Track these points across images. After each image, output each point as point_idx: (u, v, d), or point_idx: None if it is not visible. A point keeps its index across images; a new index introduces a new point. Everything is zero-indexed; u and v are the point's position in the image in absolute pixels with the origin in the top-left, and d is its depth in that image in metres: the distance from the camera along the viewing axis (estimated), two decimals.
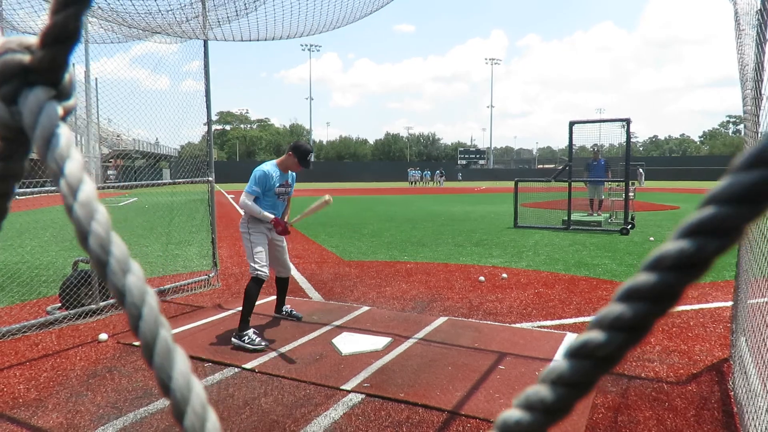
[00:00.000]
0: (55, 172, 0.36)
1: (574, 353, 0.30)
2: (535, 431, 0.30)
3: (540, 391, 0.30)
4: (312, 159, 4.84)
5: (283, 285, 5.31)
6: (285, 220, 4.90)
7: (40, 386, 3.76)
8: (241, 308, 4.62)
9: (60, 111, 0.38)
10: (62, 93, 0.39)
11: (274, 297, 5.50)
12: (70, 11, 0.36)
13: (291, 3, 5.10)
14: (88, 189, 0.36)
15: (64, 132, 0.37)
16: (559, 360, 0.31)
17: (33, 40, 0.38)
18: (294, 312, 5.38)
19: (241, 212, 4.89)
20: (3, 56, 0.38)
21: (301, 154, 4.72)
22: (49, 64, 0.38)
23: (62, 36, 0.37)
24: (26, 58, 0.38)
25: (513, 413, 0.31)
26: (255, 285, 4.62)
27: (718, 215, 0.27)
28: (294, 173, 4.95)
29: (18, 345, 4.63)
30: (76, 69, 6.13)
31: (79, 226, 0.35)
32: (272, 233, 4.86)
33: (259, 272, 4.62)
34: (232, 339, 4.50)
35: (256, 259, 4.64)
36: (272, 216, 4.69)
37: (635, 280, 0.30)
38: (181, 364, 0.33)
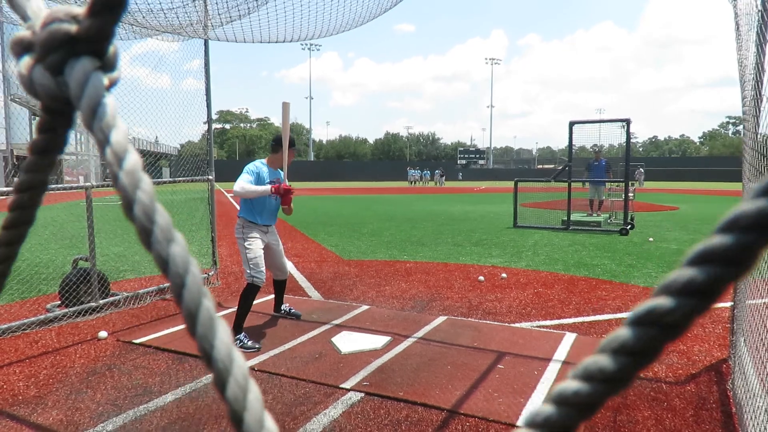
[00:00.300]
0: (101, 141, 0.36)
1: (639, 320, 0.29)
2: (594, 402, 0.29)
3: (600, 360, 0.29)
4: (293, 142, 4.84)
5: (280, 287, 5.31)
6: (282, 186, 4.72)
7: (40, 383, 3.77)
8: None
9: (105, 81, 0.38)
10: (107, 64, 0.39)
11: (273, 296, 5.50)
12: None
13: (293, 6, 5.10)
14: (134, 158, 0.36)
15: (110, 102, 0.37)
16: (619, 329, 0.30)
17: (80, 10, 0.38)
18: (293, 310, 5.38)
19: (238, 206, 4.86)
20: (49, 26, 0.38)
21: (280, 141, 4.72)
22: (96, 34, 0.37)
23: (109, 5, 0.37)
24: (73, 27, 0.37)
25: (570, 384, 0.30)
26: (251, 291, 4.59)
27: None
28: (282, 172, 4.86)
29: (18, 342, 4.63)
30: None
31: (125, 194, 0.35)
32: (268, 236, 4.83)
33: (255, 278, 4.58)
34: None
35: (251, 265, 4.59)
36: (268, 186, 4.60)
37: (708, 243, 0.28)
38: (224, 333, 0.33)
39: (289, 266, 7.43)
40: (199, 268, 0.35)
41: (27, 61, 0.39)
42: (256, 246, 4.66)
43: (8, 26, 5.47)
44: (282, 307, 5.38)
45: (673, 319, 0.28)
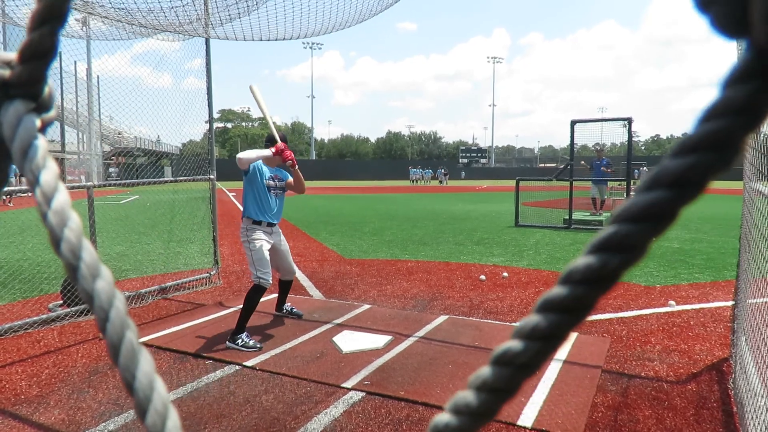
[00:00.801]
0: (31, 182, 0.38)
1: (496, 361, 0.32)
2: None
3: (466, 396, 0.32)
4: (285, 138, 4.89)
5: (285, 287, 5.31)
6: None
7: (42, 383, 3.78)
8: (241, 307, 4.62)
9: (38, 123, 0.40)
10: (42, 105, 0.41)
11: (275, 296, 5.51)
12: (46, 29, 0.38)
13: (292, 4, 5.10)
14: (62, 197, 0.38)
15: (41, 143, 0.39)
16: (482, 367, 0.33)
17: (12, 55, 0.40)
18: (294, 310, 5.39)
19: (240, 206, 4.86)
20: None
21: (274, 139, 4.79)
22: (28, 79, 0.40)
23: (39, 52, 0.39)
24: (6, 73, 0.40)
25: (443, 417, 0.33)
26: (256, 292, 4.57)
27: (621, 232, 0.29)
28: (284, 171, 4.93)
29: (20, 342, 4.65)
30: (78, 66, 6.15)
31: (52, 233, 0.37)
32: (272, 237, 4.81)
33: (261, 279, 4.57)
34: (227, 342, 4.48)
35: (257, 267, 4.58)
36: (269, 152, 4.66)
37: (550, 293, 0.32)
38: (146, 365, 0.35)
39: None
40: (124, 302, 0.37)
41: None
42: (261, 247, 4.63)
43: (9, 27, 5.48)
44: (284, 307, 5.38)
45: (524, 360, 0.31)
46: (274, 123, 4.89)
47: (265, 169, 4.73)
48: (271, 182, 4.76)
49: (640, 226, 0.28)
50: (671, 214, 0.28)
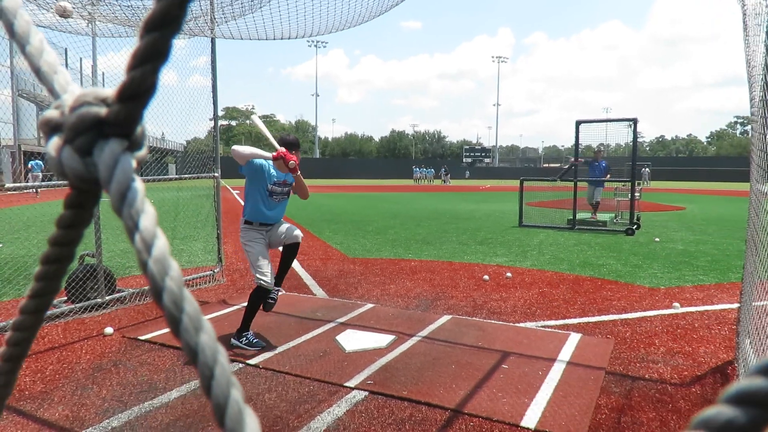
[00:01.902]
0: (130, 228, 0.36)
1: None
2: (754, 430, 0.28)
3: (760, 383, 0.28)
4: (298, 143, 4.59)
5: (289, 252, 4.74)
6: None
7: (46, 379, 3.79)
8: (246, 304, 4.61)
9: (134, 163, 0.39)
10: (134, 143, 0.40)
11: (289, 293, 5.44)
12: (148, 67, 0.37)
13: (296, 3, 5.09)
14: (162, 244, 0.36)
15: (139, 186, 0.38)
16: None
17: (109, 92, 0.39)
18: (278, 293, 4.81)
19: (241, 202, 4.75)
20: (79, 109, 0.38)
21: (290, 143, 4.48)
22: (125, 119, 0.38)
23: (139, 91, 0.37)
24: (102, 111, 0.38)
25: (722, 410, 0.29)
26: (257, 293, 4.49)
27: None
28: (291, 176, 4.60)
29: None
30: (83, 63, 6.16)
31: (153, 282, 0.35)
32: (269, 234, 4.60)
33: (261, 281, 4.43)
34: (231, 340, 4.48)
35: (256, 268, 4.47)
36: (269, 155, 4.39)
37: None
38: (252, 427, 0.33)
39: (294, 264, 7.43)
40: (227, 357, 0.35)
41: (56, 141, 0.40)
42: (257, 249, 4.49)
43: None
44: (278, 288, 4.78)
45: None
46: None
47: (273, 172, 4.51)
48: (276, 188, 4.54)
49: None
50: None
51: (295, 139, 4.61)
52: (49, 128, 0.40)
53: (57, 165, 0.39)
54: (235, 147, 4.44)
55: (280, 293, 4.83)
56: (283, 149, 4.38)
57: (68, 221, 0.43)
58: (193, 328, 0.35)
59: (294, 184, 4.60)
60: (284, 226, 4.69)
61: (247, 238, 4.55)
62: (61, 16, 4.98)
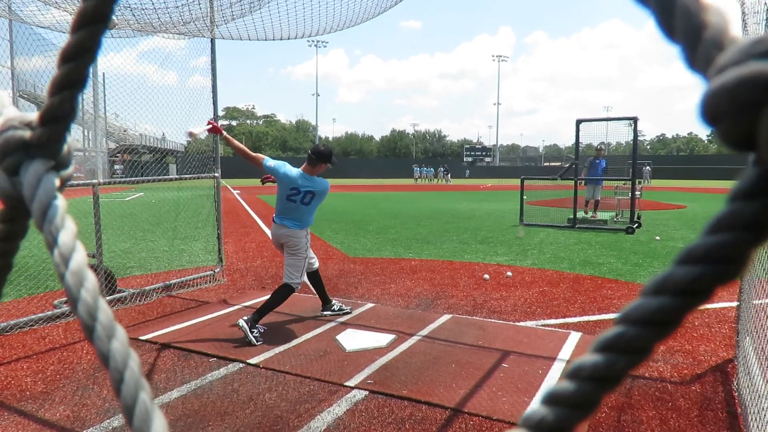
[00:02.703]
0: (50, 242, 0.39)
1: (602, 347, 0.31)
2: (562, 427, 0.31)
3: (567, 386, 0.31)
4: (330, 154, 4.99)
5: (316, 277, 5.32)
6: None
7: (47, 379, 3.80)
8: (247, 304, 4.64)
9: (57, 182, 0.41)
10: (60, 163, 0.42)
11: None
12: (66, 94, 0.40)
13: (295, 3, 5.10)
14: (79, 258, 0.39)
15: (60, 204, 0.40)
16: (585, 355, 0.32)
17: (33, 117, 0.42)
18: (344, 307, 5.45)
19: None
20: (6, 132, 0.41)
21: (325, 156, 4.88)
22: (48, 140, 0.41)
23: (59, 115, 0.40)
24: (27, 134, 0.41)
25: (538, 410, 0.32)
26: (287, 291, 4.80)
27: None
28: (322, 182, 4.96)
29: (25, 338, 4.68)
30: None
31: (69, 293, 0.38)
32: (279, 235, 4.93)
33: (295, 282, 4.86)
34: (241, 320, 4.54)
35: (301, 271, 4.88)
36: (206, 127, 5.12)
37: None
38: (159, 426, 0.36)
39: None
40: (138, 362, 0.37)
41: None
42: (308, 255, 5.03)
43: (16, 24, 5.50)
44: (332, 305, 5.41)
45: (635, 346, 0.30)
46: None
47: (297, 176, 4.87)
48: (293, 191, 4.85)
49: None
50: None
51: (328, 150, 5.01)
52: None
53: None
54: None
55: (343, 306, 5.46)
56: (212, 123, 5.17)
57: (4, 234, 0.45)
58: (106, 336, 0.37)
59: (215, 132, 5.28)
60: (288, 254, 5.06)
61: (306, 245, 4.96)
62: (109, 29, 5.04)
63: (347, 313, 5.34)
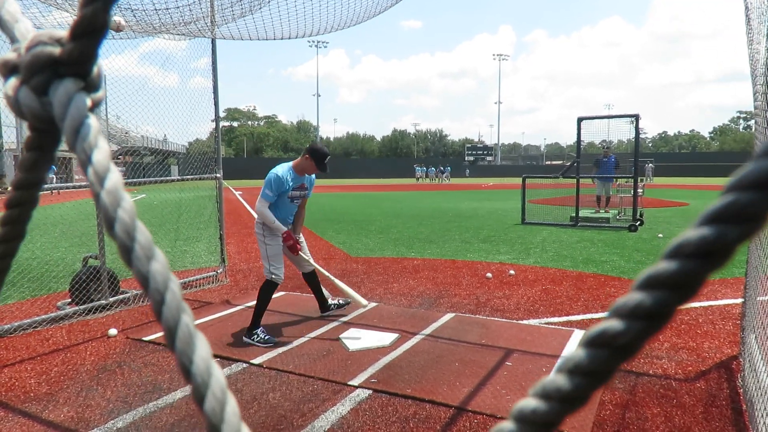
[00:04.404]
0: (83, 161, 0.37)
1: (591, 342, 0.30)
2: (551, 421, 0.30)
3: (557, 380, 0.31)
4: (328, 162, 4.70)
5: (313, 279, 5.18)
6: (296, 237, 4.81)
7: (51, 380, 3.81)
8: (249, 304, 4.65)
9: (88, 102, 0.39)
10: (91, 85, 0.40)
11: (284, 293, 5.51)
12: (99, 4, 0.37)
13: (295, 3, 5.09)
14: (115, 177, 0.37)
15: (93, 122, 0.38)
16: (575, 349, 0.31)
17: (63, 33, 0.39)
18: (340, 301, 5.34)
19: (255, 215, 4.89)
20: (34, 49, 0.39)
21: (319, 157, 4.60)
22: (79, 57, 0.38)
23: (90, 28, 0.37)
24: (56, 50, 0.39)
25: (529, 402, 0.31)
26: (268, 287, 4.63)
27: (740, 201, 0.27)
28: (311, 176, 4.85)
29: (29, 340, 4.68)
30: None
31: (106, 213, 0.36)
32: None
33: (273, 275, 4.62)
34: (243, 338, 4.53)
35: (271, 262, 4.63)
36: (284, 229, 4.62)
37: (655, 268, 0.30)
38: (202, 349, 0.34)
39: None
40: (179, 285, 0.36)
41: (13, 82, 0.40)
42: (275, 243, 4.68)
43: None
44: (329, 303, 5.30)
45: (624, 341, 0.29)
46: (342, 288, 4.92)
47: (291, 178, 4.65)
48: (295, 192, 4.74)
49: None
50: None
51: (324, 151, 4.71)
52: (7, 69, 0.40)
53: (14, 104, 0.40)
54: (258, 213, 4.66)
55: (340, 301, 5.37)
56: (291, 240, 4.66)
57: (30, 163, 0.43)
58: (145, 257, 0.35)
59: (310, 195, 4.95)
60: (305, 250, 4.99)
61: (266, 231, 4.68)
62: (115, 30, 5.06)
63: (348, 304, 5.26)
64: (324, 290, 5.34)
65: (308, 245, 5.26)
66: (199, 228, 7.93)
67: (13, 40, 0.42)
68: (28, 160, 0.43)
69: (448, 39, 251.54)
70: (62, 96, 0.38)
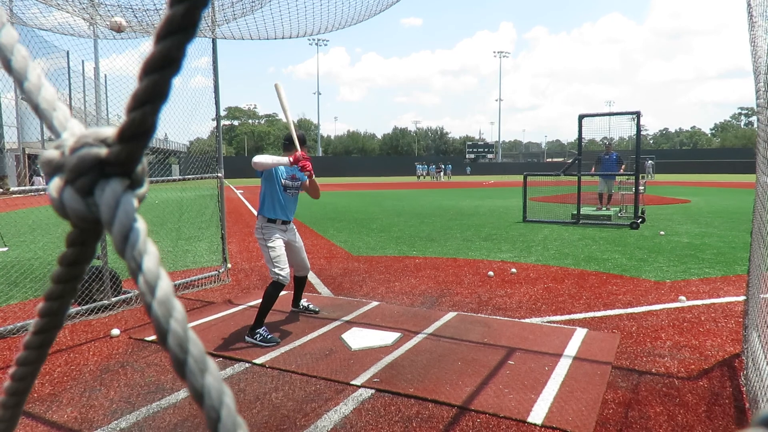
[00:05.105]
0: (133, 269, 0.36)
1: None
2: None
3: None
4: (304, 139, 4.81)
5: (301, 283, 5.36)
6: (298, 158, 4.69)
7: (55, 381, 3.81)
8: (251, 304, 4.65)
9: (135, 203, 0.38)
10: (135, 181, 0.39)
11: (288, 292, 5.52)
12: (147, 108, 0.37)
13: (296, 2, 5.09)
14: (165, 285, 0.36)
15: (141, 226, 0.37)
16: None
17: (109, 132, 0.38)
18: (311, 306, 5.42)
19: (255, 214, 4.88)
20: (80, 150, 0.38)
21: (293, 138, 4.73)
22: (126, 159, 0.38)
23: (140, 132, 0.37)
24: (102, 151, 0.38)
25: None
26: (275, 289, 4.63)
27: None
28: (301, 173, 4.88)
29: None
30: (86, 65, 6.17)
31: (158, 325, 0.35)
32: (287, 234, 4.86)
33: (279, 276, 4.63)
34: (246, 337, 4.54)
35: (275, 263, 4.64)
36: (287, 159, 4.60)
37: None
38: None
39: None
40: (233, 398, 0.35)
41: (57, 182, 0.39)
42: (278, 245, 4.70)
43: (18, 27, 5.51)
44: (300, 303, 5.43)
45: None
46: (294, 123, 4.83)
47: (282, 168, 4.76)
48: (288, 182, 4.79)
49: None
50: None
51: (301, 135, 4.83)
52: (51, 168, 0.40)
53: (59, 206, 0.39)
54: (255, 159, 4.59)
55: (310, 305, 5.44)
56: (300, 154, 4.61)
57: (71, 259, 0.43)
58: (199, 370, 0.34)
59: (305, 182, 4.91)
60: (300, 246, 5.06)
61: (267, 234, 4.72)
62: (117, 31, 5.06)
63: (317, 312, 5.37)
64: (304, 299, 5.49)
65: (310, 244, 5.27)
66: (200, 227, 7.94)
67: (51, 128, 0.41)
68: (69, 255, 0.42)
69: (448, 36, 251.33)
70: (109, 199, 0.37)
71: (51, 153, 0.40)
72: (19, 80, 0.42)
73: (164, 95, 0.37)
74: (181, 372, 0.34)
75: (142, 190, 0.40)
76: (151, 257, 0.36)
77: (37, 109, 0.42)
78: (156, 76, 0.36)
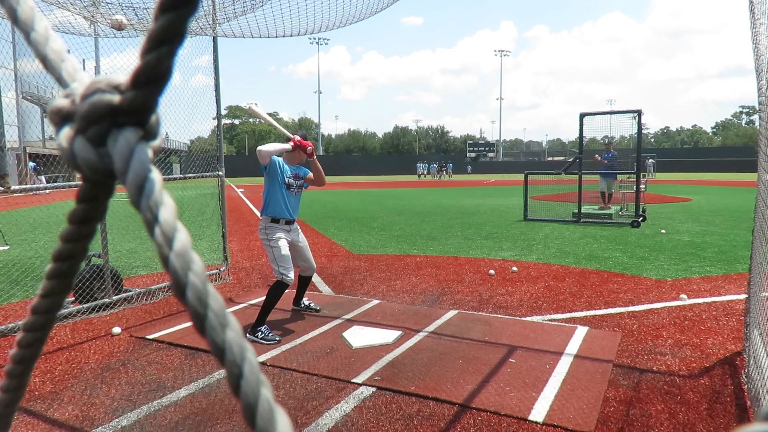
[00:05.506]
0: (149, 220, 0.34)
1: None
2: None
3: None
4: (305, 137, 4.91)
5: (305, 282, 5.36)
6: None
7: (56, 379, 3.82)
8: (253, 302, 4.66)
9: (150, 153, 0.37)
10: (149, 133, 0.38)
11: (290, 290, 5.52)
12: (163, 50, 0.35)
13: (297, 0, 5.08)
14: (183, 237, 0.34)
15: (156, 177, 0.36)
16: None
17: (122, 79, 0.37)
18: (312, 304, 5.42)
19: (258, 213, 4.89)
20: (91, 97, 0.37)
21: (300, 138, 4.83)
22: (140, 106, 0.36)
23: (154, 76, 0.35)
24: (116, 98, 0.36)
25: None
26: (279, 288, 4.65)
27: None
28: (304, 168, 5.00)
29: None
30: (86, 64, 6.17)
31: (176, 278, 0.34)
32: (291, 234, 4.88)
33: (284, 276, 4.65)
34: (247, 335, 4.54)
35: (280, 263, 4.67)
36: (288, 144, 4.73)
37: None
38: (283, 426, 0.32)
39: None
40: (255, 354, 0.34)
41: (67, 132, 0.38)
42: (282, 244, 4.72)
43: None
44: (302, 302, 5.44)
45: None
46: (286, 126, 4.88)
47: (286, 167, 4.80)
48: (291, 180, 4.82)
49: None
50: None
51: (302, 134, 4.93)
52: (60, 118, 0.38)
53: (69, 156, 0.37)
54: (260, 147, 4.67)
55: (312, 303, 5.46)
56: (297, 137, 4.76)
57: (81, 216, 0.41)
58: (219, 325, 0.33)
59: (310, 173, 4.98)
60: (305, 245, 5.08)
61: (270, 235, 4.75)
62: (117, 29, 5.06)
63: (319, 311, 5.37)
64: (305, 298, 5.49)
65: (311, 242, 5.28)
66: (201, 226, 7.93)
67: (60, 80, 0.39)
68: (80, 212, 0.40)
69: (449, 35, 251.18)
70: (123, 148, 0.36)
71: (61, 101, 0.38)
72: (26, 31, 0.40)
73: (181, 36, 0.34)
74: (200, 327, 0.33)
75: (156, 142, 0.38)
76: (167, 208, 0.35)
77: (44, 60, 0.40)
78: (172, 14, 0.34)
